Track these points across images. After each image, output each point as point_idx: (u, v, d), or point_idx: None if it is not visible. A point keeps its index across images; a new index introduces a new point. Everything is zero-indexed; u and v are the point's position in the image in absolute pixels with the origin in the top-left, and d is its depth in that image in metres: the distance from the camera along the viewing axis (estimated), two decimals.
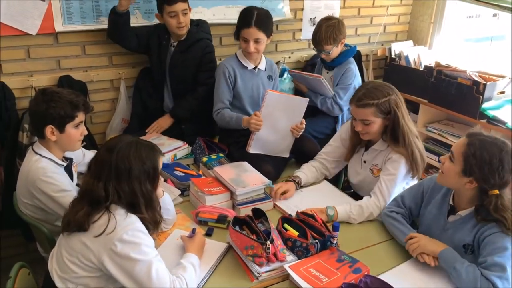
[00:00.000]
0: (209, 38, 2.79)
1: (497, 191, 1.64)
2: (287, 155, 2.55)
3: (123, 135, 1.62)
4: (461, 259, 1.65)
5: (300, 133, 2.51)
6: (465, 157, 1.64)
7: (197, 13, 2.90)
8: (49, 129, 1.89)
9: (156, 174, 1.61)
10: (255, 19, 2.47)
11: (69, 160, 2.05)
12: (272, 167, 2.41)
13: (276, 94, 2.46)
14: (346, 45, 2.96)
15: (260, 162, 2.39)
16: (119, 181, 1.51)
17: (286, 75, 3.20)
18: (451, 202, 1.81)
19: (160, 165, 1.64)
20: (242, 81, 2.60)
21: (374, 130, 2.11)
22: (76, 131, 1.96)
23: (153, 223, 1.60)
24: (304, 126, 2.49)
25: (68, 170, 2.04)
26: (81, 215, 1.49)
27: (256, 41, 2.50)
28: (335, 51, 2.88)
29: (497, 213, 1.62)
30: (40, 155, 1.93)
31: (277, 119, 2.46)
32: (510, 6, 3.00)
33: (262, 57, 2.67)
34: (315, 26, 2.96)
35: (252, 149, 2.49)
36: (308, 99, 2.50)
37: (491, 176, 1.61)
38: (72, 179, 2.05)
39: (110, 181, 1.51)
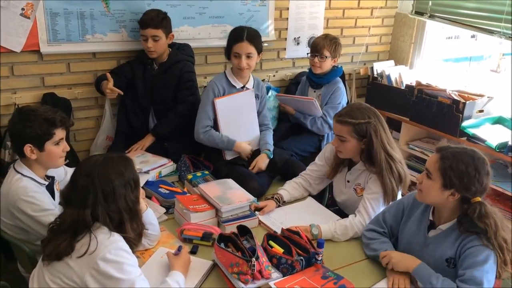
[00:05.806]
0: (189, 60, 2.82)
1: (479, 198, 1.68)
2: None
3: (91, 156, 1.62)
4: (436, 274, 1.66)
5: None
6: (442, 171, 1.67)
7: (182, 32, 2.93)
8: (28, 148, 1.87)
9: (137, 182, 1.61)
10: (246, 34, 2.52)
11: (51, 179, 2.02)
12: (258, 183, 2.42)
13: (223, 100, 2.57)
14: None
15: (246, 179, 2.40)
16: (107, 203, 1.50)
17: (270, 93, 3.23)
18: (430, 218, 1.83)
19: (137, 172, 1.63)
20: None
21: (348, 149, 2.13)
22: (56, 148, 1.93)
23: (137, 236, 1.59)
24: None
25: (50, 189, 2.01)
26: (63, 247, 1.46)
27: (248, 56, 2.53)
28: (328, 63, 2.93)
29: (481, 220, 1.64)
30: (21, 174, 1.91)
31: (236, 118, 2.61)
32: (487, 28, 3.10)
33: (250, 75, 2.70)
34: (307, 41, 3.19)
35: (228, 155, 2.60)
36: (253, 90, 2.65)
37: (471, 184, 1.65)
38: (54, 198, 2.01)
39: (98, 205, 1.49)
